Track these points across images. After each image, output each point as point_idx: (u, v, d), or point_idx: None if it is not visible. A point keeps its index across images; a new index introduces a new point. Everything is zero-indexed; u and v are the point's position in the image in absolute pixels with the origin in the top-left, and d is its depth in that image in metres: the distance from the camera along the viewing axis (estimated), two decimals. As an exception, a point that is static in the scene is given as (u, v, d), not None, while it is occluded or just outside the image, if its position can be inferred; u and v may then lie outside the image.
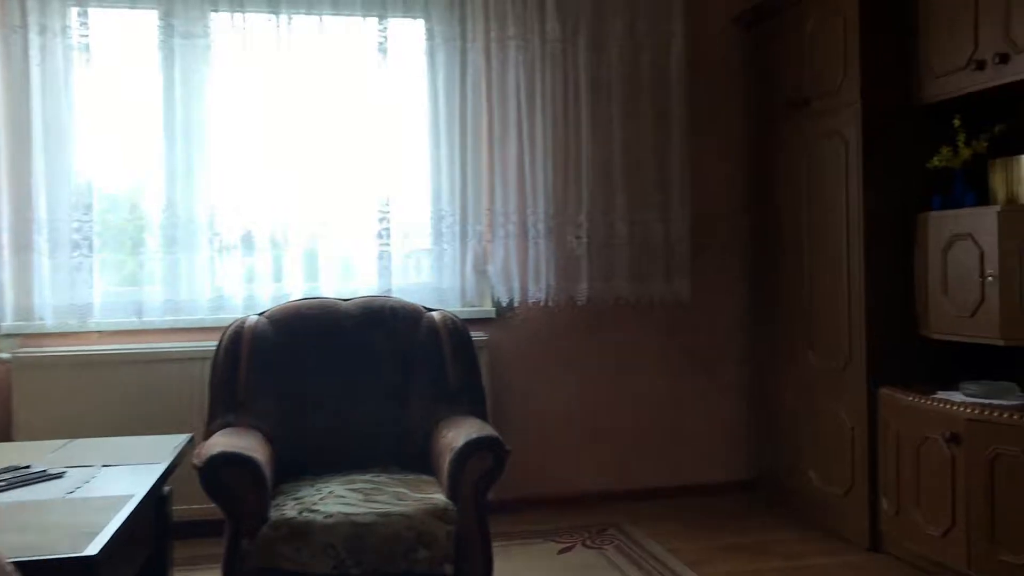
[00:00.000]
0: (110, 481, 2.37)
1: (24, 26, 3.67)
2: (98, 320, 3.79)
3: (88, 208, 3.77)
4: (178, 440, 2.86)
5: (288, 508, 2.67)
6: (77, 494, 2.23)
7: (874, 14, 3.53)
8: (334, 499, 2.73)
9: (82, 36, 3.77)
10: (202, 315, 3.84)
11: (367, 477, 2.99)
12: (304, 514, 2.62)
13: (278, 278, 3.95)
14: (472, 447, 2.80)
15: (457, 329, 3.35)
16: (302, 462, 3.10)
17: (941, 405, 3.09)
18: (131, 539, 2.17)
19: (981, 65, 3.15)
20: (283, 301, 3.60)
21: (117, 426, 3.52)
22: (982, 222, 3.06)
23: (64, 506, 2.13)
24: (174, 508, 2.90)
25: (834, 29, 3.67)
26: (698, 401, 4.41)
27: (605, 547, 3.64)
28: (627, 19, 4.16)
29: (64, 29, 3.73)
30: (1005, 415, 2.86)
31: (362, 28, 3.99)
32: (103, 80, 3.81)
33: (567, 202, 4.12)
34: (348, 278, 4.00)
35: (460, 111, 4.05)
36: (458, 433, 2.91)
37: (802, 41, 3.90)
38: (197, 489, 2.63)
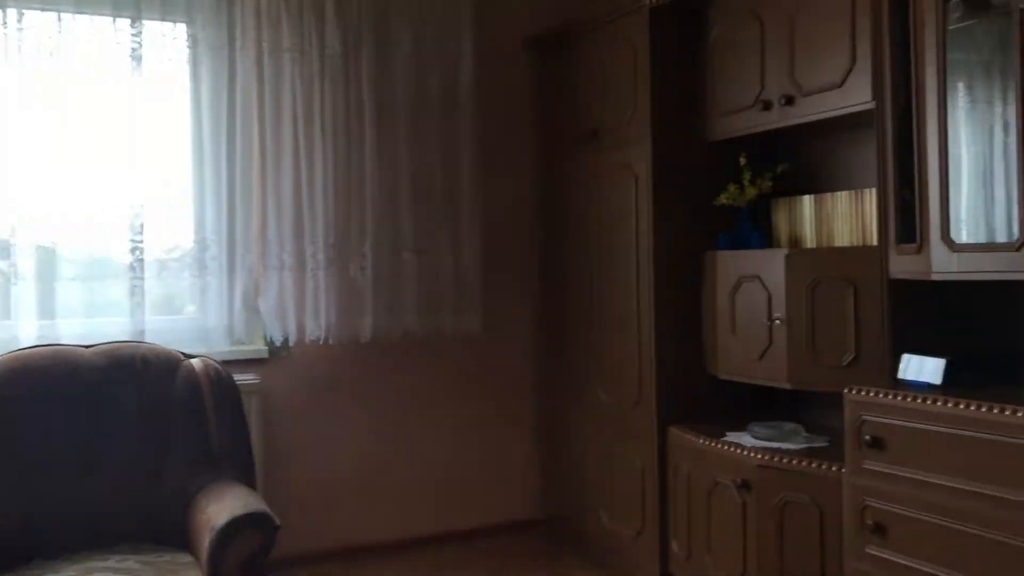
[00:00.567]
0: None
1: None
2: None
3: None
4: None
5: (2, 618, 2.20)
6: None
7: (665, 48, 3.47)
8: (64, 600, 2.29)
9: None
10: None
11: (110, 563, 2.55)
12: (22, 625, 2.17)
13: (5, 315, 3.36)
14: (236, 526, 2.44)
15: (222, 381, 2.96)
16: (29, 547, 2.61)
17: (731, 449, 3.05)
18: None
19: (767, 105, 3.14)
20: (10, 348, 3.05)
21: None
22: (770, 264, 3.05)
23: None
24: None
25: (624, 61, 3.58)
26: (490, 438, 4.22)
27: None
28: (414, 34, 3.90)
29: None
30: (794, 462, 2.84)
31: (112, 30, 3.47)
32: None
33: (350, 230, 3.80)
34: (93, 316, 3.46)
35: (228, 128, 3.63)
36: (220, 508, 2.53)
37: (593, 71, 3.80)
38: None
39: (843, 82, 2.86)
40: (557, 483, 4.16)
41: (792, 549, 2.85)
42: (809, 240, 3.26)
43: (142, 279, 3.48)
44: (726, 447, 3.08)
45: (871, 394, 2.55)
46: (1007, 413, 2.18)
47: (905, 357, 2.65)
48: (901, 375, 2.64)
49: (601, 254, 3.76)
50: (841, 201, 3.13)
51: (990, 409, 2.22)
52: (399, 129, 3.88)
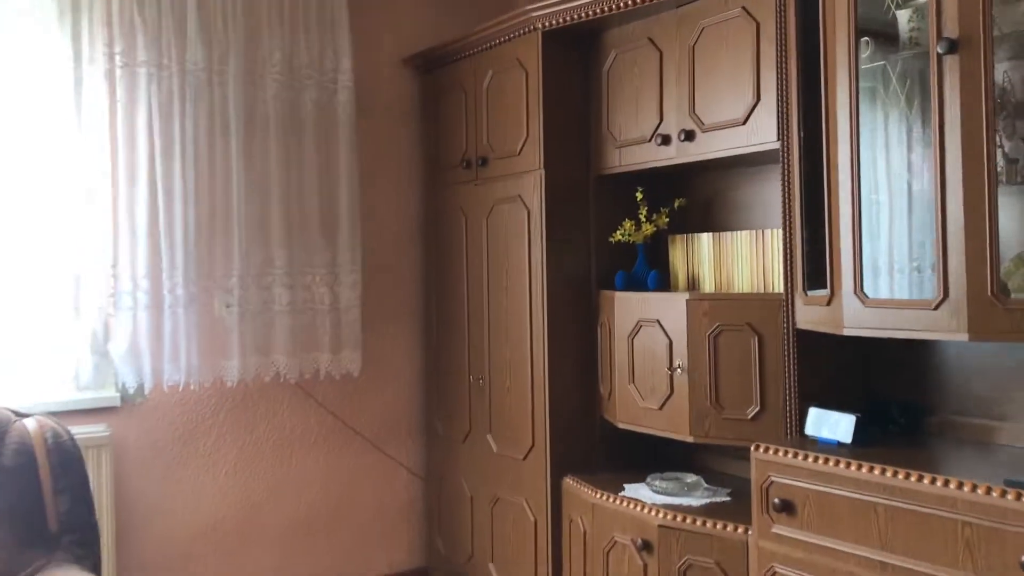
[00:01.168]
0: None
1: None
2: None
3: None
4: None
5: None
6: None
7: (560, 74, 3.28)
8: None
9: None
10: None
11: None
12: None
13: None
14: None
15: (61, 445, 2.58)
16: None
17: (630, 506, 2.87)
18: None
19: (666, 140, 2.99)
20: None
21: None
22: (670, 309, 2.88)
23: None
24: None
25: (516, 85, 3.36)
26: (371, 484, 3.92)
27: None
28: (287, 50, 3.58)
29: None
30: (698, 522, 2.67)
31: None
32: None
33: (214, 263, 3.44)
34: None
35: (73, 148, 3.22)
36: (52, 602, 2.17)
37: (480, 95, 3.57)
38: None
39: (747, 119, 2.72)
40: (444, 533, 3.90)
41: (696, 614, 2.68)
42: (707, 280, 3.12)
43: (-32, 322, 3.04)
44: (625, 503, 2.89)
45: (779, 453, 2.40)
46: (921, 481, 2.06)
47: (813, 411, 2.52)
48: (809, 431, 2.51)
49: (491, 290, 3.53)
50: (741, 241, 3.00)
51: (907, 476, 2.09)
52: (270, 151, 3.55)
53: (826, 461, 2.28)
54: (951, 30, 2.02)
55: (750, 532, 2.49)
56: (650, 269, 3.23)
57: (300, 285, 3.61)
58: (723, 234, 3.07)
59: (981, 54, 1.97)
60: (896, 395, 2.64)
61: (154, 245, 3.32)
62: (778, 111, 2.60)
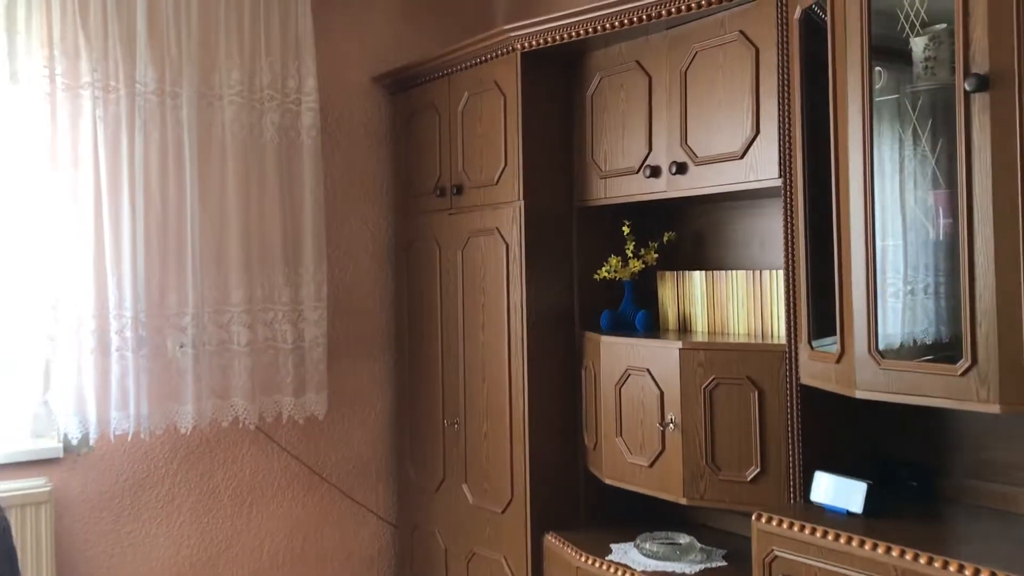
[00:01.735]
0: None
1: None
2: None
3: None
4: None
5: None
6: None
7: (540, 98, 3.04)
8: None
9: None
10: None
11: None
12: None
13: None
14: None
15: (-17, 516, 2.31)
16: None
17: (617, 573, 2.63)
18: None
19: (655, 172, 2.76)
20: None
21: None
22: (662, 358, 2.64)
23: None
24: None
25: (492, 111, 3.12)
26: (338, 533, 3.65)
27: None
28: (246, 69, 3.32)
29: None
30: (692, 595, 2.45)
31: None
32: None
33: (166, 300, 3.17)
34: None
35: (8, 176, 2.95)
36: None
37: (454, 118, 3.32)
38: None
39: (744, 153, 2.49)
40: (416, 583, 3.65)
41: None
42: (700, 322, 2.90)
43: None
44: (612, 568, 2.65)
45: (784, 525, 2.17)
46: (946, 568, 1.85)
47: (819, 476, 2.30)
48: (816, 498, 2.29)
49: (467, 328, 3.28)
50: (737, 282, 2.78)
51: (929, 561, 1.88)
52: (228, 178, 3.28)
53: (837, 537, 2.06)
54: (981, 64, 1.80)
55: (751, 610, 2.26)
56: (638, 308, 3.00)
57: (260, 322, 3.35)
58: (718, 273, 2.85)
59: (1016, 92, 1.75)
60: (906, 454, 2.43)
61: (100, 282, 3.05)
62: (779, 145, 2.38)
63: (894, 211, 2.12)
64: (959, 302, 1.86)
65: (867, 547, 1.99)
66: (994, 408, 1.81)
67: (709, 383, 2.51)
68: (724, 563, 2.64)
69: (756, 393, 2.43)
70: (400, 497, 3.75)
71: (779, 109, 2.37)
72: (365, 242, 3.71)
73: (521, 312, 3.02)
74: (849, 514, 2.19)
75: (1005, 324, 1.77)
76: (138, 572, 3.23)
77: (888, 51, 2.14)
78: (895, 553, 1.94)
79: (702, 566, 2.61)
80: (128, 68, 3.09)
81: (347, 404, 3.64)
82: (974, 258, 1.82)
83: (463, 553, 3.31)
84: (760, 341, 2.61)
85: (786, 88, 2.35)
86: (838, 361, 2.15)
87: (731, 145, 2.53)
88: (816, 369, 2.26)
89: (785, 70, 2.36)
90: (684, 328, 2.95)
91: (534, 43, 2.95)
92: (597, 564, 2.70)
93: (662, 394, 2.62)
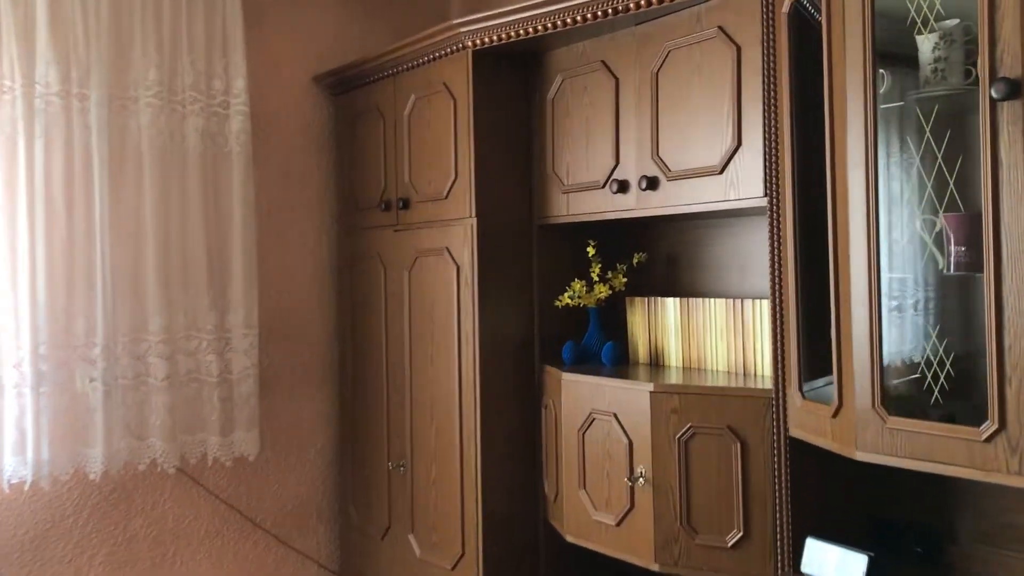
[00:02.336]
0: None
1: None
2: None
3: None
4: None
5: None
6: None
7: (495, 103, 2.70)
8: None
9: None
10: None
11: None
12: None
13: None
14: None
15: None
16: None
17: (581, 647, 2.30)
18: None
19: (623, 187, 2.42)
20: None
21: None
22: (631, 401, 2.30)
23: None
24: None
25: (441, 116, 2.78)
26: (272, 582, 3.30)
27: None
28: (165, 68, 2.94)
29: None
30: None
31: None
32: None
33: (72, 328, 2.79)
34: None
35: None
36: None
37: (400, 123, 2.97)
38: None
39: (724, 167, 2.17)
40: (360, 638, 3.30)
41: None
42: (674, 355, 2.57)
43: None
44: (574, 642, 2.32)
45: (773, 606, 1.85)
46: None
47: (810, 543, 1.98)
48: (807, 569, 1.96)
49: (415, 358, 2.93)
50: (716, 311, 2.45)
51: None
52: (144, 190, 2.91)
53: (836, 626, 1.73)
54: (1011, 67, 1.49)
55: None
56: (605, 339, 2.67)
57: (182, 352, 2.98)
58: (693, 300, 2.52)
59: (1056, 101, 1.44)
60: (910, 513, 2.11)
61: (-7, 309, 2.67)
62: (764, 159, 2.06)
63: (904, 236, 1.80)
64: (982, 351, 1.54)
65: (872, 640, 1.67)
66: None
67: (684, 432, 2.18)
68: (702, 635, 2.31)
69: (738, 445, 2.10)
70: (343, 543, 3.39)
71: (764, 117, 2.04)
72: (303, 261, 3.35)
73: (473, 343, 2.68)
74: (848, 592, 1.87)
75: (1043, 382, 1.46)
76: (40, 637, 2.85)
77: (891, 51, 1.83)
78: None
79: (676, 640, 2.28)
80: (26, 66, 2.71)
81: (283, 442, 3.28)
82: (1002, 302, 1.51)
83: (410, 611, 2.96)
84: (742, 379, 2.28)
85: (772, 93, 2.03)
86: (835, 415, 1.83)
87: (709, 158, 2.20)
88: (808, 421, 1.94)
89: (771, 72, 2.03)
90: (656, 362, 2.62)
91: (487, 40, 2.61)
92: (557, 636, 2.37)
93: (631, 443, 2.29)
